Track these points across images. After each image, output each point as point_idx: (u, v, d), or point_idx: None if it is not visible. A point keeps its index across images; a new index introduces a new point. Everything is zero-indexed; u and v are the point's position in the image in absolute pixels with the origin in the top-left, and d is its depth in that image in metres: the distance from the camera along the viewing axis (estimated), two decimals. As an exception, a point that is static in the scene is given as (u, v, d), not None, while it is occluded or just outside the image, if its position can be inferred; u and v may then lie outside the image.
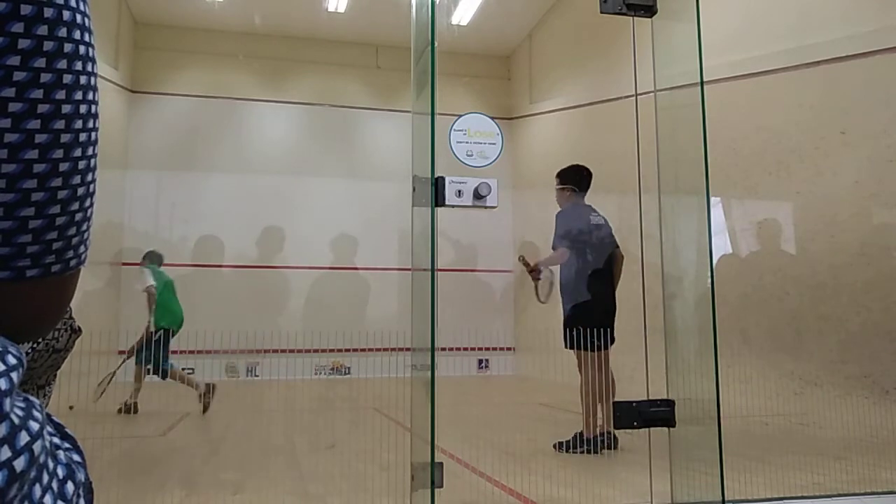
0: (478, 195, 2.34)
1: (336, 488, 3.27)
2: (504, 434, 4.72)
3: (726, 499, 2.45)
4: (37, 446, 0.35)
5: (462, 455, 3.69)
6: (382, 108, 9.13)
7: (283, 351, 7.14)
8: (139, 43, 8.67)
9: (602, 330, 3.95)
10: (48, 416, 0.42)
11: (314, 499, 3.09)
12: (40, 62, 0.38)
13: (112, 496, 2.89)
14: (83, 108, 0.42)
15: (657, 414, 2.61)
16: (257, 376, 7.48)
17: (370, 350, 7.25)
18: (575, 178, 4.26)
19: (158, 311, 5.45)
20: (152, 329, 5.35)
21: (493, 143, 2.49)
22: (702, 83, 2.65)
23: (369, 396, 6.19)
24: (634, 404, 2.61)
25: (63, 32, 0.39)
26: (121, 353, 5.46)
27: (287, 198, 8.64)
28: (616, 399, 3.51)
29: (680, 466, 2.57)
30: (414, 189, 2.38)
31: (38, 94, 0.38)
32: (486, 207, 2.34)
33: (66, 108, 0.40)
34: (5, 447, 0.33)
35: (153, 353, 5.26)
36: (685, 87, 2.70)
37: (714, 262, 2.67)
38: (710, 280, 2.64)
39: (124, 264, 7.70)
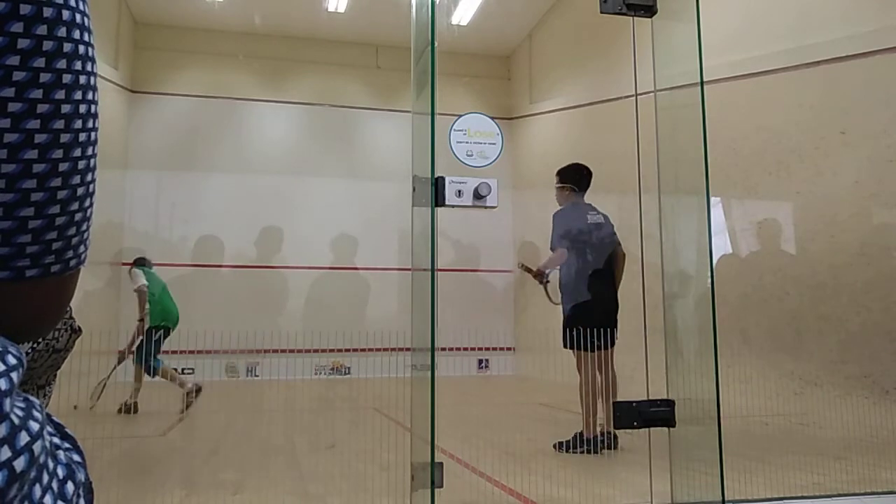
0: (478, 195, 2.34)
1: (336, 488, 3.27)
2: (504, 434, 4.72)
3: (726, 499, 2.45)
4: (37, 446, 0.35)
5: (462, 455, 3.69)
6: (382, 108, 9.13)
7: (283, 351, 7.14)
8: (139, 43, 8.67)
9: (602, 330, 3.95)
10: (48, 416, 0.42)
11: (314, 499, 3.09)
12: (40, 62, 0.38)
13: (112, 496, 2.89)
14: (83, 108, 0.42)
15: (657, 414, 2.61)
16: (257, 376, 7.48)
17: (370, 350, 7.25)
18: (574, 177, 4.26)
19: (154, 310, 5.48)
20: (146, 327, 5.39)
21: (493, 143, 2.49)
22: (702, 83, 2.64)
23: (369, 396, 6.19)
24: (634, 404, 2.61)
25: (62, 32, 0.39)
26: (119, 353, 5.47)
27: (287, 198, 8.64)
28: (617, 399, 3.52)
29: (680, 466, 2.57)
30: (414, 189, 2.38)
31: (37, 93, 0.38)
32: (486, 207, 2.34)
33: (65, 108, 0.40)
34: (5, 447, 0.33)
35: (144, 349, 5.30)
36: (685, 87, 2.70)
37: (714, 262, 2.67)
38: (710, 280, 2.64)
39: (124, 264, 7.68)
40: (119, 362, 5.38)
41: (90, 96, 0.43)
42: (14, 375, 0.35)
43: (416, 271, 2.45)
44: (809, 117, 5.42)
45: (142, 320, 5.47)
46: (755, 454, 3.67)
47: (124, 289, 7.45)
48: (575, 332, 3.98)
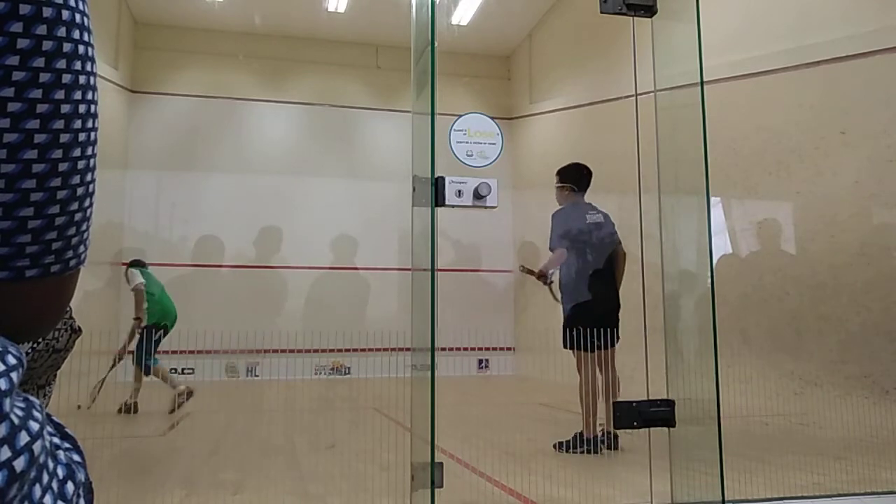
0: (478, 195, 2.34)
1: (336, 488, 3.27)
2: (504, 434, 4.72)
3: (726, 499, 2.45)
4: (37, 446, 0.35)
5: (462, 455, 3.69)
6: (382, 108, 9.13)
7: (283, 351, 7.14)
8: (139, 43, 8.67)
9: (602, 329, 3.95)
10: (48, 416, 0.42)
11: (314, 499, 3.09)
12: (39, 62, 0.38)
13: (112, 496, 2.89)
14: (82, 108, 0.42)
15: (657, 414, 2.61)
16: (257, 376, 7.48)
17: (370, 350, 7.25)
18: (574, 177, 4.26)
19: (154, 310, 5.49)
20: (143, 325, 5.40)
21: (493, 143, 2.49)
22: (702, 83, 2.64)
23: (369, 396, 6.19)
24: (634, 404, 2.61)
25: (62, 32, 0.39)
26: (118, 353, 5.47)
27: (287, 198, 8.64)
28: (618, 399, 3.52)
29: (680, 466, 2.57)
30: (414, 189, 2.37)
31: (37, 93, 0.38)
32: (486, 207, 2.34)
33: (65, 108, 0.40)
34: (5, 447, 0.33)
35: (143, 349, 5.31)
36: (685, 87, 2.70)
37: (714, 262, 2.67)
38: (710, 280, 2.64)
39: (124, 264, 7.70)
40: (115, 363, 5.38)
41: (90, 96, 0.43)
42: (14, 375, 0.35)
43: (416, 271, 2.45)
44: (809, 117, 5.42)
45: (138, 319, 5.48)
46: (755, 454, 3.67)
47: (124, 289, 7.43)
48: (574, 333, 3.98)
